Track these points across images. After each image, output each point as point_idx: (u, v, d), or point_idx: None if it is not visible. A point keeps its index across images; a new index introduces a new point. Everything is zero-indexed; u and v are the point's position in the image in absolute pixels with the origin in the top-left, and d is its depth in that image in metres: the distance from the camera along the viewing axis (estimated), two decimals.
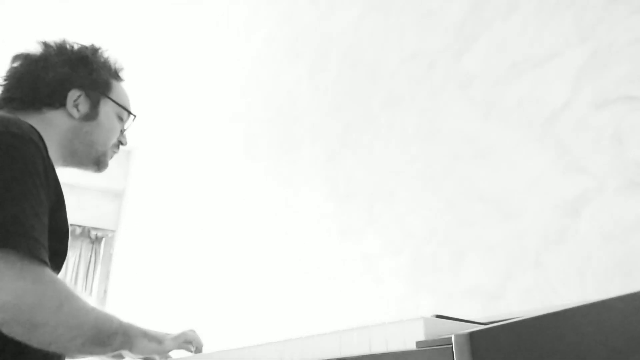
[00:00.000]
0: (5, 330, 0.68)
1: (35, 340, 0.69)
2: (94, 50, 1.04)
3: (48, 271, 0.72)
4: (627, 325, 0.45)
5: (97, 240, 4.60)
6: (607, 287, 0.78)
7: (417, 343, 0.37)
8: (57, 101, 0.96)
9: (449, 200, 1.12)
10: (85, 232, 4.50)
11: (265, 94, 2.27)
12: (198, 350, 0.92)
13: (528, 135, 0.97)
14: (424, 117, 1.26)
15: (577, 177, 0.86)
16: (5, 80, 0.97)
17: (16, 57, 0.98)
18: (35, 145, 0.78)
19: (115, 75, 1.07)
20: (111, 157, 1.08)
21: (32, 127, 0.81)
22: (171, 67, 3.59)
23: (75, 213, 4.38)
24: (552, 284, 0.86)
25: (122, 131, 1.09)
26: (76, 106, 0.98)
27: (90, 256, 4.50)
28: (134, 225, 4.14)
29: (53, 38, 1.02)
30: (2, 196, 0.71)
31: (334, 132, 1.64)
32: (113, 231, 4.69)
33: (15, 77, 0.97)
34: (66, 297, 0.72)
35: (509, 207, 0.97)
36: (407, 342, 0.38)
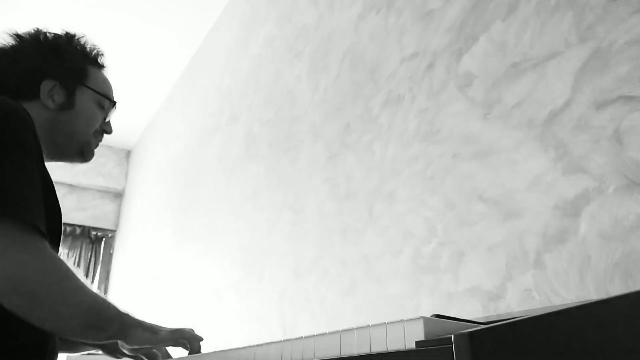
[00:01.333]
0: (5, 302, 0.67)
1: (34, 314, 0.69)
2: (69, 38, 1.01)
3: (49, 246, 0.72)
4: (627, 325, 0.45)
5: (97, 240, 4.60)
6: (607, 287, 0.78)
7: (417, 343, 0.37)
8: (31, 93, 0.94)
9: (449, 200, 1.12)
10: (85, 232, 4.50)
11: (265, 94, 2.27)
12: (196, 349, 0.91)
13: (528, 135, 0.97)
14: (424, 117, 1.26)
15: (577, 177, 0.86)
16: None
17: None
18: (28, 122, 0.79)
19: (93, 62, 1.03)
20: (96, 146, 1.04)
21: (21, 105, 0.81)
22: (171, 66, 3.59)
23: (75, 213, 4.38)
24: (552, 284, 0.86)
25: (104, 119, 1.05)
26: (51, 97, 0.95)
27: (90, 256, 4.50)
28: (134, 225, 4.14)
29: (26, 29, 0.99)
30: (1, 170, 0.71)
31: (334, 132, 1.64)
32: (113, 231, 4.69)
33: None
34: (66, 274, 0.72)
35: (509, 207, 0.97)
36: (407, 342, 0.38)
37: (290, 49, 2.11)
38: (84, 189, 4.54)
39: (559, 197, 0.88)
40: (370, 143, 1.44)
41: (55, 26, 1.03)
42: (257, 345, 0.58)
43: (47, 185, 0.82)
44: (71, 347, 1.04)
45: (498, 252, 0.97)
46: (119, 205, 4.74)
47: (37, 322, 0.70)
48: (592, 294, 0.79)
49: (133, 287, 3.78)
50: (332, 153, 1.62)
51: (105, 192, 4.70)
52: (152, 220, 3.67)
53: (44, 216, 0.74)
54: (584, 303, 0.44)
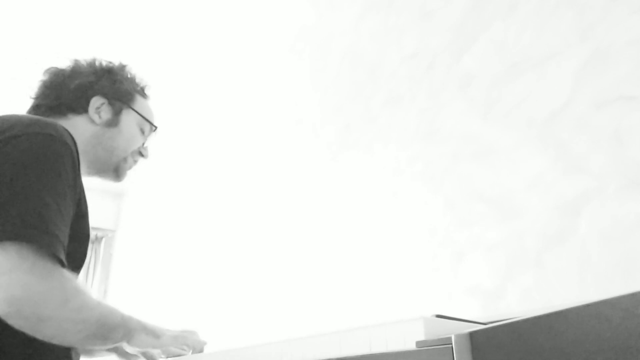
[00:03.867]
0: (10, 323, 0.69)
1: (40, 333, 0.71)
2: (122, 66, 1.11)
3: (59, 268, 0.73)
4: (627, 325, 0.45)
5: (97, 240, 4.60)
6: (607, 287, 0.78)
7: (417, 343, 0.37)
8: (81, 107, 1.02)
9: (449, 200, 1.12)
10: None
11: (265, 95, 2.28)
12: (198, 352, 0.92)
13: (528, 135, 0.97)
14: (424, 117, 1.26)
15: (577, 177, 0.86)
16: (35, 91, 1.03)
17: (46, 70, 1.05)
18: (69, 148, 0.81)
19: (140, 91, 1.13)
20: (130, 168, 1.11)
21: (67, 130, 0.84)
22: (170, 68, 3.59)
23: None
24: (552, 284, 0.86)
25: (143, 144, 1.12)
26: (98, 112, 1.03)
27: (90, 256, 4.49)
28: (134, 225, 4.14)
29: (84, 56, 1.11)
30: (29, 191, 0.72)
31: (334, 132, 1.64)
32: (113, 231, 4.69)
33: (44, 86, 1.03)
34: (72, 294, 0.73)
35: (509, 207, 0.97)
36: (407, 342, 0.38)
37: (291, 49, 2.11)
38: (84, 189, 4.53)
39: (559, 197, 0.88)
40: (370, 143, 1.44)
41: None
42: (257, 345, 0.58)
43: (80, 209, 0.84)
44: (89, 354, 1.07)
45: (498, 252, 0.97)
46: (119, 205, 4.73)
47: (44, 339, 0.72)
48: (592, 294, 0.79)
49: (133, 288, 3.78)
50: (332, 153, 1.62)
51: (105, 192, 4.70)
52: (152, 220, 3.67)
53: (65, 241, 0.75)
54: (584, 303, 0.44)
